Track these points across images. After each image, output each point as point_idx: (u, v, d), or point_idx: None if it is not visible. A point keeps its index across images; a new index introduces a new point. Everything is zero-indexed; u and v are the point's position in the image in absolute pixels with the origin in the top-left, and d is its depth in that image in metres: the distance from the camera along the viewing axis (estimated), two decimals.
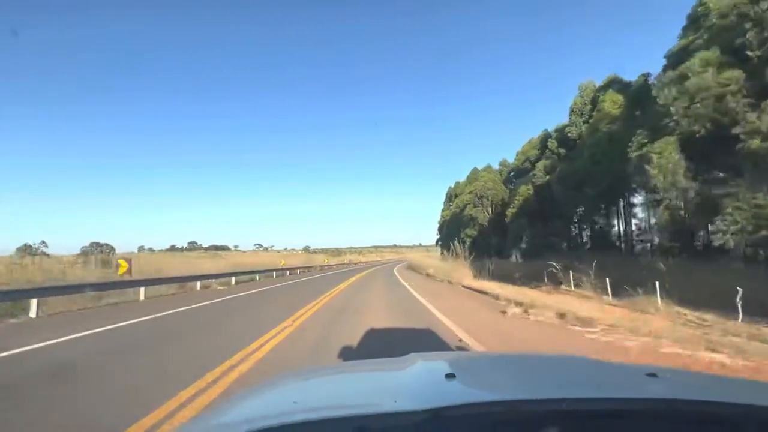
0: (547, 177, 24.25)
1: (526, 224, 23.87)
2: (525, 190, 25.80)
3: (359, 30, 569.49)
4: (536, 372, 1.35)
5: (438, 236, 75.02)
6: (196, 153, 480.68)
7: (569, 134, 27.64)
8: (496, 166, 42.09)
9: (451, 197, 71.19)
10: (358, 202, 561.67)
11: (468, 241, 36.90)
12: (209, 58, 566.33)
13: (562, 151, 29.07)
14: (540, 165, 25.44)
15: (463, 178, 61.12)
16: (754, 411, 0.81)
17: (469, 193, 38.96)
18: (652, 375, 1.05)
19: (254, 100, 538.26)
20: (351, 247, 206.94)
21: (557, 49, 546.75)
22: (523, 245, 26.66)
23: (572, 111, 28.21)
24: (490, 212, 37.45)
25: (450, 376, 1.06)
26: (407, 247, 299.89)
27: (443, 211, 74.68)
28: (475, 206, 37.45)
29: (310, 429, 0.76)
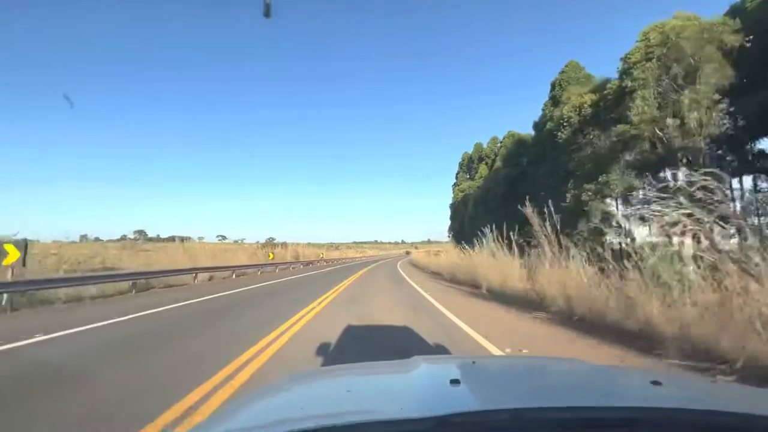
0: None
1: None
2: None
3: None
4: (541, 378, 1.34)
5: (450, 224, 50.16)
6: (162, 146, 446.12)
7: None
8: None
9: (471, 162, 46.77)
10: (339, 199, 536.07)
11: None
12: (181, 46, 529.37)
13: None
14: None
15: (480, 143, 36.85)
16: (759, 421, 0.79)
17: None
18: (657, 383, 1.03)
19: (231, 93, 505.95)
20: (330, 243, 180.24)
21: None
22: None
23: None
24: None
25: (455, 381, 1.02)
26: (391, 243, 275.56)
27: (457, 185, 49.80)
28: (659, 79, 11.90)
29: None
